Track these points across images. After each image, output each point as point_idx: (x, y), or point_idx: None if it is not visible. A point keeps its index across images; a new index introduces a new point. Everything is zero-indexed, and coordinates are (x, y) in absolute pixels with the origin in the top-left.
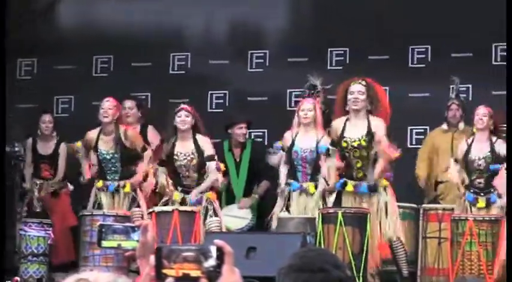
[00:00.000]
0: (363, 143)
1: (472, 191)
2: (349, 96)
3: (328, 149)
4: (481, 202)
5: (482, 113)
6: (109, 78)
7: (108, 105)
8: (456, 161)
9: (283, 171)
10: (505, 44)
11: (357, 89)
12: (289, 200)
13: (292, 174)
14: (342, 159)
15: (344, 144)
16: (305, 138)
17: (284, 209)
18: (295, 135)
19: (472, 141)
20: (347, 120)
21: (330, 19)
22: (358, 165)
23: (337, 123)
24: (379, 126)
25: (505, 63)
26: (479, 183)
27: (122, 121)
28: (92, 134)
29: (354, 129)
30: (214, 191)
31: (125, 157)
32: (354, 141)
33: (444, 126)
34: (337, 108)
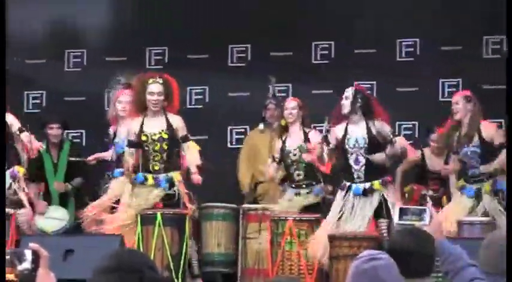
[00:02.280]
0: (164, 136)
1: (293, 185)
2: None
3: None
4: (303, 195)
5: (291, 107)
6: None
7: None
8: (274, 158)
9: None
10: (411, 40)
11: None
12: None
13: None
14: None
15: (144, 138)
16: None
17: None
18: None
19: (286, 136)
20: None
21: (149, 19)
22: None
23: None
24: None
25: (411, 59)
26: (298, 175)
27: None
28: None
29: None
30: None
31: None
32: (155, 134)
33: (261, 126)
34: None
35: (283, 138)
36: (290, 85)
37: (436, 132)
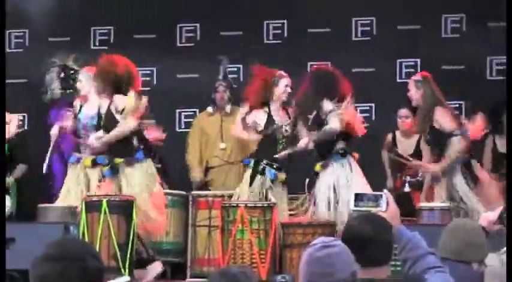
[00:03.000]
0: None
1: (274, 166)
2: None
3: None
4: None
5: (284, 84)
6: None
7: None
8: (258, 130)
9: None
10: (367, 19)
11: None
12: None
13: None
14: None
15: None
16: None
17: None
18: None
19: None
20: None
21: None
22: None
23: None
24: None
25: (368, 38)
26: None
27: None
28: None
29: None
30: None
31: None
32: None
33: (209, 109)
34: None
35: (268, 112)
36: (241, 66)
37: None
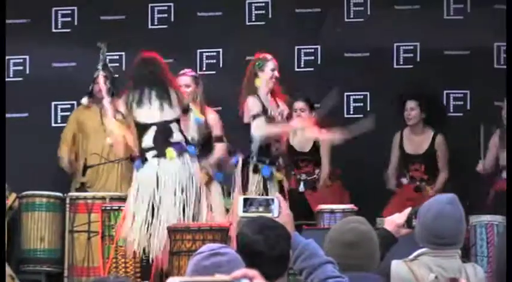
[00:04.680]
0: None
1: (267, 162)
2: None
3: None
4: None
5: (271, 68)
6: None
7: None
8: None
9: None
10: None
11: None
12: None
13: None
14: None
15: None
16: None
17: None
18: None
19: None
20: None
21: None
22: None
23: None
24: None
25: (262, 23)
26: (277, 149)
27: None
28: None
29: None
30: None
31: None
32: None
33: (84, 100)
34: None
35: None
36: (123, 53)
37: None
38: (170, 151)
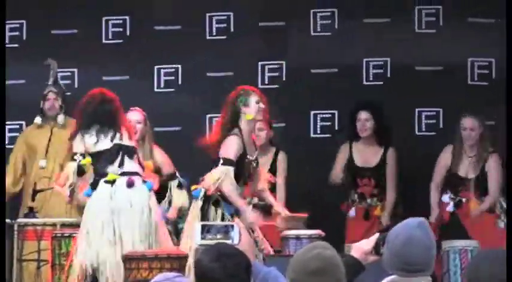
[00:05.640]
0: None
1: None
2: None
3: None
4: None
5: (255, 100)
6: None
7: None
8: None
9: None
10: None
11: None
12: None
13: None
14: None
15: None
16: None
17: None
18: None
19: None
20: None
21: None
22: None
23: None
24: None
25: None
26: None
27: None
28: None
29: None
30: None
31: None
32: None
33: (38, 119)
34: None
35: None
36: (76, 70)
37: None
38: (112, 174)
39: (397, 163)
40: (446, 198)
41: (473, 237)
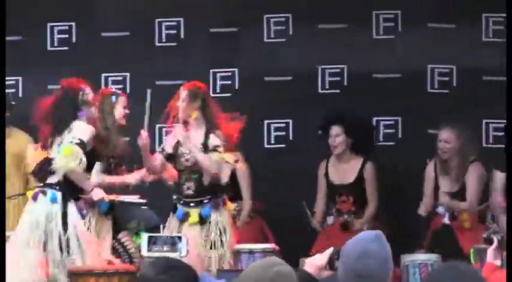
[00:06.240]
0: None
1: (181, 202)
2: None
3: None
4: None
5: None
6: None
7: None
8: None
9: None
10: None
11: None
12: None
13: None
14: None
15: None
16: None
17: None
18: None
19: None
20: None
21: None
22: None
23: None
24: None
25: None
26: (188, 188)
27: None
28: None
29: None
30: None
31: None
32: None
33: None
34: None
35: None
36: (20, 78)
37: None
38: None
39: (376, 177)
40: (441, 209)
41: (464, 249)
